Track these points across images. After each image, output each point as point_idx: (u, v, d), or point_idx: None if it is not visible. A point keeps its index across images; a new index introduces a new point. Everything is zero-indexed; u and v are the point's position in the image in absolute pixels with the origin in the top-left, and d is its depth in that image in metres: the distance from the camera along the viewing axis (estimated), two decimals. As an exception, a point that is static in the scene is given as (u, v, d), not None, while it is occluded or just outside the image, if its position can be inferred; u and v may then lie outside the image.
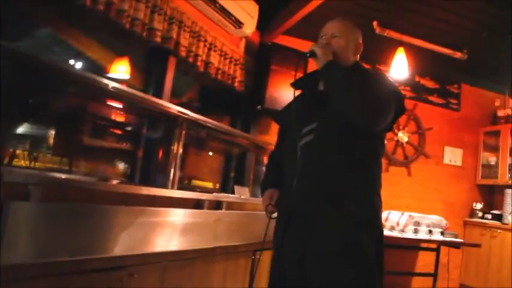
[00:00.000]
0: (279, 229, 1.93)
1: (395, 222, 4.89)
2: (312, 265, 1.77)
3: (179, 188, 3.31)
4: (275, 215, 1.99)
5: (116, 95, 2.63)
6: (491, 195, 6.28)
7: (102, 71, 3.70)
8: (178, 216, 2.48)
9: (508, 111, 6.08)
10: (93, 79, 2.41)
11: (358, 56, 2.04)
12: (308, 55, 1.92)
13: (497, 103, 6.31)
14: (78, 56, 3.70)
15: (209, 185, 4.37)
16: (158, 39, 3.20)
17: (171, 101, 3.78)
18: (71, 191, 2.03)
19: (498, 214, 5.78)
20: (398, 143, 5.72)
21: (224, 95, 4.41)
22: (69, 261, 1.91)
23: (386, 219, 5.05)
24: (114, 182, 2.93)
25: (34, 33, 3.22)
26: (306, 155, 1.87)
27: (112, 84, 2.46)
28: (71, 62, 3.69)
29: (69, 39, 3.50)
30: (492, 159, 6.11)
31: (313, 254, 1.78)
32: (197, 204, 2.74)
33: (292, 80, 2.14)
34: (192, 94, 4.65)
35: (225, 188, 4.22)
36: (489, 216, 5.83)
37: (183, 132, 2.88)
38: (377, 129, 1.83)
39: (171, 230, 2.44)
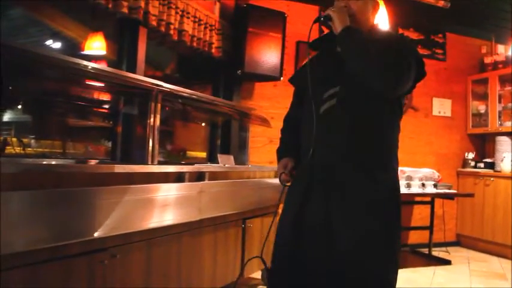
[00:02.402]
0: (297, 197, 1.89)
1: (387, 178, 4.85)
2: (340, 229, 1.77)
3: (169, 162, 3.25)
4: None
5: (88, 73, 2.52)
6: (482, 144, 6.27)
7: (78, 49, 3.58)
8: (159, 191, 2.41)
9: (495, 58, 5.99)
10: (62, 60, 2.31)
11: (376, 14, 1.98)
12: (322, 19, 1.82)
13: (483, 50, 6.21)
14: (53, 36, 3.59)
15: (202, 155, 4.33)
16: (125, 10, 3.06)
17: (149, 74, 3.67)
18: (45, 176, 1.94)
19: (490, 162, 5.77)
20: (385, 99, 5.62)
21: (203, 64, 4.29)
22: (46, 248, 1.84)
23: (378, 176, 5.01)
24: (92, 162, 2.85)
25: (8, 14, 3.10)
26: (327, 120, 1.83)
27: (80, 62, 2.36)
28: (47, 42, 3.58)
29: (42, 19, 3.39)
30: (482, 108, 6.05)
31: (338, 216, 1.77)
32: (179, 178, 2.65)
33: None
34: (171, 66, 4.54)
35: (212, 157, 4.15)
36: (481, 165, 5.83)
37: (159, 104, 2.78)
38: (398, 95, 1.82)
39: (153, 207, 2.37)
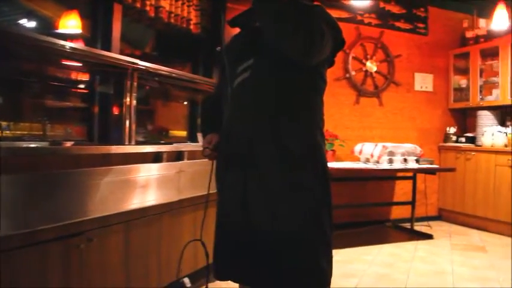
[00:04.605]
0: (220, 173, 1.89)
1: (370, 154, 4.86)
2: (254, 207, 1.73)
3: (150, 142, 3.18)
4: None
5: (61, 52, 2.44)
6: (464, 119, 6.30)
7: (52, 28, 3.47)
8: (136, 172, 2.36)
9: (477, 32, 5.97)
10: (36, 38, 2.25)
11: None
12: None
13: (465, 24, 6.18)
14: (27, 15, 3.47)
15: (183, 134, 4.27)
16: (99, -14, 2.95)
17: (127, 53, 3.57)
18: (19, 160, 1.87)
19: (471, 137, 5.81)
20: (367, 73, 5.60)
21: (182, 41, 4.19)
22: (19, 234, 1.78)
23: (360, 152, 5.02)
24: (68, 144, 2.78)
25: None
26: (241, 93, 1.80)
27: (53, 41, 2.30)
28: (21, 21, 3.46)
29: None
30: (463, 82, 6.06)
31: (255, 195, 1.73)
32: (157, 158, 2.60)
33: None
34: (150, 44, 4.43)
35: (192, 136, 4.09)
36: (463, 139, 5.86)
37: (135, 83, 2.71)
38: (312, 63, 1.75)
39: (130, 188, 2.33)
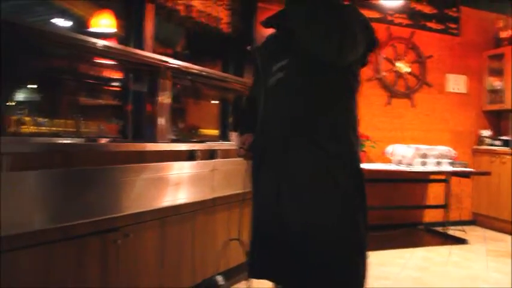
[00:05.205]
0: (254, 173, 1.89)
1: (402, 155, 4.77)
2: (288, 206, 1.72)
3: (182, 140, 3.19)
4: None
5: (95, 50, 2.47)
6: (498, 121, 6.12)
7: (86, 27, 3.52)
8: (171, 170, 2.36)
9: (512, 32, 5.83)
10: (73, 38, 2.29)
11: None
12: None
13: (499, 24, 6.02)
14: (61, 14, 3.52)
15: (215, 132, 4.27)
16: (132, -14, 2.97)
17: (160, 52, 3.59)
18: (55, 155, 1.88)
19: (506, 140, 5.64)
20: (398, 74, 5.51)
21: (213, 40, 4.20)
22: (56, 228, 1.79)
23: (392, 154, 4.93)
24: (103, 141, 2.79)
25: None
26: (276, 92, 1.81)
27: (87, 39, 2.32)
28: (55, 20, 3.51)
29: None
30: (497, 84, 5.90)
31: (288, 194, 1.72)
32: (191, 156, 2.59)
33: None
34: (181, 43, 4.45)
35: (224, 135, 4.08)
36: (497, 142, 5.70)
37: (168, 81, 2.71)
38: (345, 63, 1.74)
39: (165, 185, 2.32)
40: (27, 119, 2.63)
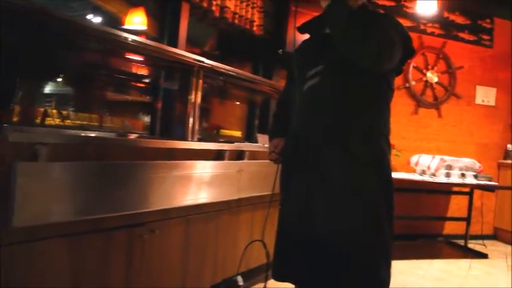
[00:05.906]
0: (283, 177, 1.93)
1: (426, 166, 4.74)
2: (316, 210, 1.74)
3: (205, 139, 3.23)
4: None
5: (130, 46, 2.51)
6: (526, 135, 6.02)
7: (119, 24, 3.58)
8: (199, 168, 2.38)
9: (546, 46, 5.73)
10: (109, 32, 2.32)
11: None
12: None
13: (533, 37, 5.92)
14: (94, 10, 3.58)
15: (237, 134, 4.29)
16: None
17: (189, 50, 3.64)
18: (85, 148, 1.93)
19: (534, 155, 5.55)
20: (427, 84, 5.47)
21: (244, 41, 4.23)
22: (85, 220, 1.84)
23: (417, 163, 4.90)
24: (132, 136, 2.84)
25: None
26: (309, 98, 1.83)
27: (123, 35, 2.36)
28: (88, 16, 3.58)
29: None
30: (527, 98, 5.81)
31: (317, 198, 1.75)
32: (218, 155, 2.62)
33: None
34: (212, 42, 4.49)
35: (250, 136, 4.11)
36: (524, 157, 5.61)
37: (200, 81, 2.75)
38: (381, 71, 1.76)
39: (192, 183, 2.35)
40: (53, 111, 2.69)
